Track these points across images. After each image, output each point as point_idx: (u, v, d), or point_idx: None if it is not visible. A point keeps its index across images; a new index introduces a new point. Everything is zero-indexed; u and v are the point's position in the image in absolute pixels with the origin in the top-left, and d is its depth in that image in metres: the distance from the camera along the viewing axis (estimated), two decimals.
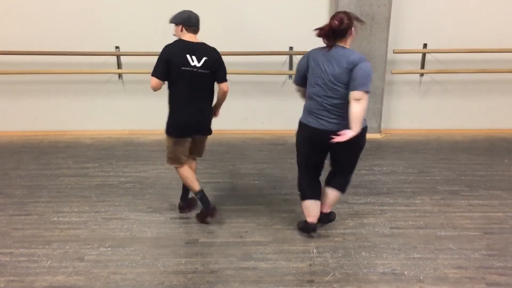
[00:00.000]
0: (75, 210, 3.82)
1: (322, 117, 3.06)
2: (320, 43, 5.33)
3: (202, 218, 3.57)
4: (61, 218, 3.69)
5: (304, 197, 3.35)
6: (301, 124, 3.26)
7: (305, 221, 3.37)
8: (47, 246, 3.30)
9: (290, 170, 4.58)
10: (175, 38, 3.38)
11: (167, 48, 3.33)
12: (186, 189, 3.69)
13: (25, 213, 3.78)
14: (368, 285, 2.89)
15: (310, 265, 3.08)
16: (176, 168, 3.52)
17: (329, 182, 3.37)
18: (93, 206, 3.88)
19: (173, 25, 3.37)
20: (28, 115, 5.65)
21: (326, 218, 3.50)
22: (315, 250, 3.24)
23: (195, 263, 3.11)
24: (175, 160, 3.48)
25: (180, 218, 3.69)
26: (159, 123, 5.71)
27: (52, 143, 5.37)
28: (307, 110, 3.19)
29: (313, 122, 3.13)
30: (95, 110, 5.63)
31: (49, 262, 3.13)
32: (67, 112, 5.64)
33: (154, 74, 3.29)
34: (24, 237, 3.42)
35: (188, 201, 3.78)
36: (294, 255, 3.19)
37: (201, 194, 3.50)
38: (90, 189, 4.18)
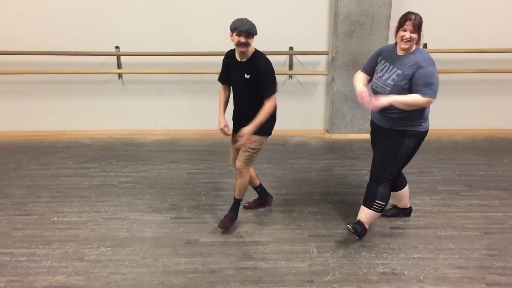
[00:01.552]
0: (75, 210, 3.82)
1: None
2: (318, 44, 5.35)
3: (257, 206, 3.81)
4: (61, 218, 3.69)
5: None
6: (425, 132, 3.27)
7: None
8: (47, 246, 3.30)
9: (290, 170, 4.58)
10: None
11: (270, 61, 3.27)
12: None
13: (25, 213, 3.78)
14: (368, 285, 2.88)
15: (310, 265, 3.08)
16: (248, 168, 3.45)
17: None
18: (93, 206, 3.88)
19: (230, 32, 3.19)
20: (28, 115, 5.64)
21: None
22: (315, 250, 3.24)
23: (195, 263, 3.11)
24: (254, 159, 3.49)
25: (180, 218, 3.69)
26: (159, 123, 5.75)
27: (52, 143, 5.37)
28: (427, 116, 3.21)
29: None
30: (95, 110, 5.62)
31: (49, 262, 3.13)
32: (67, 112, 5.64)
33: (276, 91, 3.28)
34: (24, 237, 3.42)
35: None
36: (294, 255, 3.19)
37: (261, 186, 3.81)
38: (90, 189, 4.18)
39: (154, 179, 4.38)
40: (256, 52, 3.25)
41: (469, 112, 5.63)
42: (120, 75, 5.50)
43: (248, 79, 3.21)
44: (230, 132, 3.43)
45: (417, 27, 2.97)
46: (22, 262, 3.13)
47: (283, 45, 5.32)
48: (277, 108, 5.91)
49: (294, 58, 5.38)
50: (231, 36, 3.15)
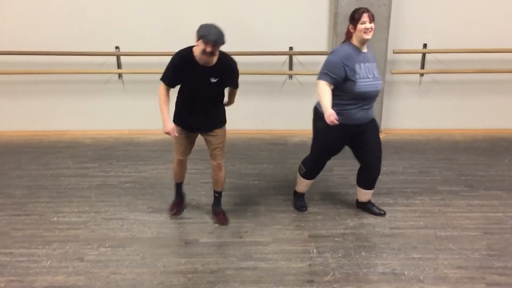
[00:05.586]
0: (75, 210, 3.82)
1: None
2: (318, 44, 5.35)
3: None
4: (61, 218, 3.69)
5: None
6: None
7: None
8: (47, 246, 3.30)
9: (290, 170, 4.58)
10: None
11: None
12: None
13: (25, 213, 3.78)
14: (368, 285, 2.88)
15: (310, 265, 3.08)
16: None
17: None
18: (93, 206, 3.88)
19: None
20: (28, 115, 5.65)
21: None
22: (315, 250, 3.24)
23: (195, 263, 3.11)
24: None
25: (180, 218, 3.69)
26: (159, 123, 5.72)
27: (52, 143, 5.37)
28: None
29: None
30: (95, 110, 5.63)
31: (49, 262, 3.13)
32: (67, 112, 5.64)
33: None
34: (24, 237, 3.42)
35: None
36: (294, 255, 3.19)
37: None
38: (90, 189, 4.18)
39: (154, 179, 4.38)
40: (220, 53, 3.14)
41: (469, 112, 5.63)
42: (120, 75, 5.51)
43: (214, 83, 3.16)
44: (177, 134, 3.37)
45: (373, 18, 3.12)
46: (22, 262, 3.13)
47: (283, 45, 5.32)
48: (277, 108, 5.94)
49: (294, 58, 5.38)
50: (197, 41, 3.03)
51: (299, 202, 3.82)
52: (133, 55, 5.32)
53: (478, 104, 5.59)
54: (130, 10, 5.23)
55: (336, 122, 3.01)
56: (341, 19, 5.02)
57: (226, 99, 3.48)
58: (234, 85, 3.41)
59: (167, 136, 5.46)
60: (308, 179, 3.68)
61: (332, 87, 3.15)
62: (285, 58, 5.41)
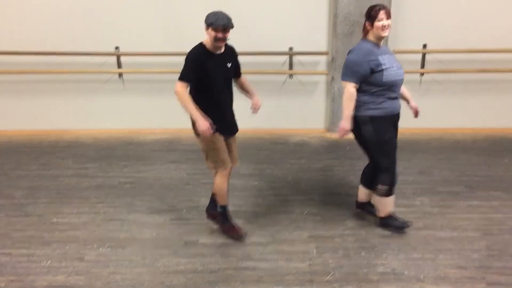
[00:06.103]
0: (75, 211, 3.82)
1: None
2: (318, 44, 5.36)
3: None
4: (60, 219, 3.69)
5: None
6: None
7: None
8: (46, 247, 3.30)
9: (290, 170, 4.58)
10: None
11: None
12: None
13: (25, 214, 3.77)
14: (368, 285, 2.88)
15: (310, 265, 3.08)
16: None
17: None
18: (92, 207, 3.87)
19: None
20: (28, 115, 5.65)
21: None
22: (314, 251, 3.24)
23: (195, 263, 3.11)
24: None
25: (180, 219, 3.69)
26: (159, 122, 5.75)
27: (52, 143, 5.37)
28: None
29: None
30: (95, 109, 5.63)
31: (49, 262, 3.13)
32: (67, 112, 5.64)
33: None
34: (23, 238, 3.42)
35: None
36: (294, 255, 3.19)
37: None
38: (90, 190, 4.18)
39: (153, 180, 4.38)
40: None
41: (469, 112, 5.63)
42: (120, 75, 5.51)
43: (229, 68, 3.24)
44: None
45: (390, 14, 3.11)
46: (22, 262, 3.13)
47: (283, 45, 5.32)
48: (278, 107, 5.90)
49: (294, 58, 5.38)
50: (207, 30, 3.04)
51: (398, 222, 3.49)
52: (133, 55, 5.33)
53: (478, 103, 5.59)
54: (130, 10, 5.23)
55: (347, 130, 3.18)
56: (341, 19, 5.02)
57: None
58: (239, 68, 3.39)
59: (167, 135, 5.53)
60: (391, 193, 3.43)
61: (357, 86, 3.17)
62: (285, 58, 5.41)
